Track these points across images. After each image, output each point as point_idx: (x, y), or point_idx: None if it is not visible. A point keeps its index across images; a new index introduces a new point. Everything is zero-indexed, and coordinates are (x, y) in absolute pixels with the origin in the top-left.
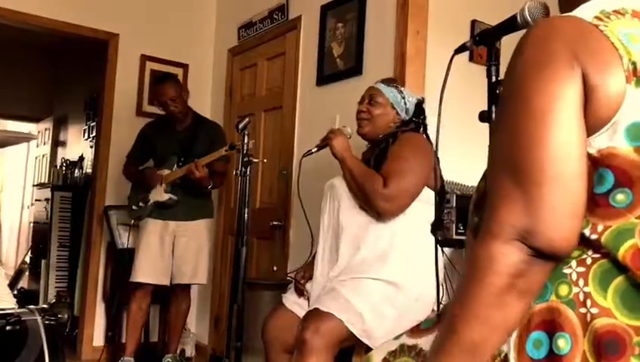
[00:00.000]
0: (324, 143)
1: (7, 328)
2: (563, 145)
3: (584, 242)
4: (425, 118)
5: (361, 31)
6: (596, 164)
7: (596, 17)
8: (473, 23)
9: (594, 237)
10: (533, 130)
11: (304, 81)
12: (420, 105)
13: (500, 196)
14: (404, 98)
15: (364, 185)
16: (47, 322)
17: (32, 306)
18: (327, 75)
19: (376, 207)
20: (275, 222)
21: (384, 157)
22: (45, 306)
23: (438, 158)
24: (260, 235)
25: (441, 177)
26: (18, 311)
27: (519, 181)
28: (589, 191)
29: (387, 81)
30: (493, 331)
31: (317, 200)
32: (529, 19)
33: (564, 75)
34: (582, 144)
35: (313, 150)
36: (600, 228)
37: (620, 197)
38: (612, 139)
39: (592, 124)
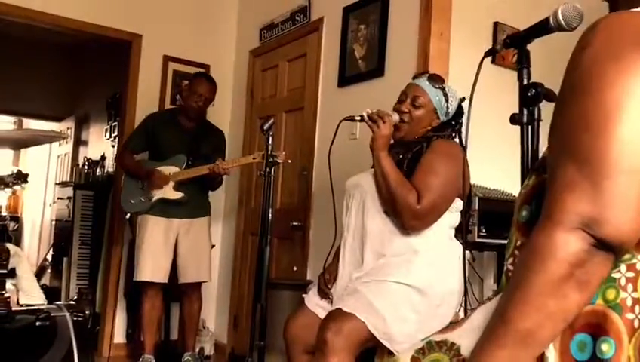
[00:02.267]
0: (370, 125)
1: (37, 323)
2: (633, 138)
3: (635, 245)
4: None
5: (383, 32)
6: None
7: None
8: (496, 25)
9: None
10: (604, 122)
11: (325, 83)
12: (459, 106)
13: (564, 185)
14: (447, 101)
15: (397, 195)
16: (75, 318)
17: (60, 302)
18: (348, 77)
19: (403, 221)
20: (295, 223)
21: (416, 163)
22: (72, 302)
23: (467, 164)
24: (280, 236)
25: (470, 185)
26: (47, 307)
27: (587, 172)
28: None
29: (434, 80)
30: (548, 321)
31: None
32: (562, 22)
33: (636, 69)
34: None
35: (357, 118)
36: None
37: None
38: None
39: None
